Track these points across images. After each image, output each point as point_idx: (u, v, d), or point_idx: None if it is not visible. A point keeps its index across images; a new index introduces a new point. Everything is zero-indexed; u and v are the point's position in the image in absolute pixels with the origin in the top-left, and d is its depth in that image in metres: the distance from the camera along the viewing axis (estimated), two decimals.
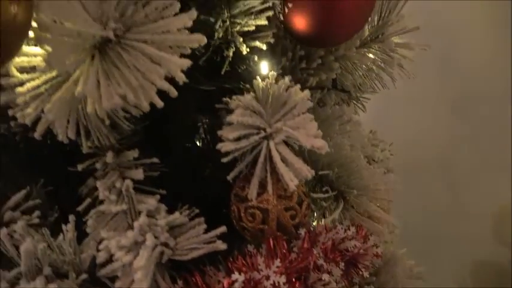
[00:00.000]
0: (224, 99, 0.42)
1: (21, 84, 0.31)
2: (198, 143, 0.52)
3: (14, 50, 0.23)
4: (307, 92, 0.37)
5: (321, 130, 0.46)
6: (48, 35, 0.25)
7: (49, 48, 0.27)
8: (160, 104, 0.30)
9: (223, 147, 0.35)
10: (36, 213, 0.35)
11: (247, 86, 0.44)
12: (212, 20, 0.39)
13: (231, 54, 0.42)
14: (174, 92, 0.31)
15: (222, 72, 0.44)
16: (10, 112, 0.34)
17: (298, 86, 0.37)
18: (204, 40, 0.33)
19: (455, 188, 1.19)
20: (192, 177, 0.49)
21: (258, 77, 0.40)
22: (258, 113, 0.37)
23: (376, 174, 0.44)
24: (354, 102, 0.63)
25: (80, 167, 0.38)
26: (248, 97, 0.36)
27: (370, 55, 0.49)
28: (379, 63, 0.49)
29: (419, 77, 0.54)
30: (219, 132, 0.36)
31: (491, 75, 1.16)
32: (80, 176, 0.40)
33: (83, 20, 0.28)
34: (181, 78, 0.30)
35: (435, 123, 1.19)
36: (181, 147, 0.50)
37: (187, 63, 0.30)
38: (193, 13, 0.33)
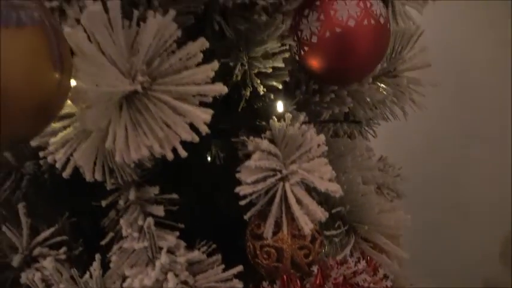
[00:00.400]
0: (242, 137, 0.44)
1: (53, 131, 0.33)
2: (212, 173, 0.53)
3: (56, 114, 0.25)
4: (322, 137, 0.38)
5: (333, 164, 0.47)
6: (83, 96, 0.27)
7: (84, 108, 0.29)
8: (184, 154, 0.32)
9: (241, 190, 0.36)
10: (63, 249, 0.37)
11: (264, 123, 0.45)
12: (231, 63, 0.41)
13: (248, 93, 0.43)
14: (196, 138, 0.33)
15: (239, 109, 0.46)
16: (41, 154, 0.36)
17: (314, 130, 0.39)
18: (225, 90, 0.34)
19: (464, 208, 1.19)
20: (207, 206, 0.50)
21: (274, 117, 0.42)
22: (274, 155, 0.38)
23: (386, 209, 0.45)
24: (365, 128, 0.65)
25: (103, 203, 0.40)
26: (265, 142, 0.38)
27: (383, 90, 0.50)
28: (391, 97, 0.51)
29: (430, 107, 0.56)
30: (238, 175, 0.37)
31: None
32: (103, 209, 0.42)
33: (113, 77, 0.30)
34: (204, 130, 0.32)
35: (444, 144, 1.20)
36: (198, 176, 0.52)
37: (209, 116, 0.32)
38: (215, 64, 0.34)
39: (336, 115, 0.54)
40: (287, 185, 0.38)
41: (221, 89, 0.34)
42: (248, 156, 0.43)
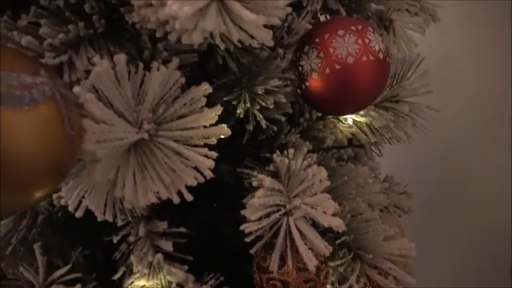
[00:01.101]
0: (246, 171, 0.45)
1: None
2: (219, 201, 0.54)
3: (68, 173, 0.27)
4: (324, 173, 0.39)
5: (337, 191, 0.48)
6: (92, 154, 0.29)
7: (92, 162, 0.30)
8: (190, 198, 0.33)
9: (247, 228, 0.37)
10: (78, 285, 0.39)
11: (268, 155, 0.47)
12: (234, 102, 0.42)
13: (251, 128, 0.44)
14: (201, 180, 0.35)
15: (244, 141, 0.47)
16: (54, 197, 0.37)
17: (316, 166, 0.40)
18: (228, 133, 0.36)
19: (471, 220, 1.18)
20: (213, 233, 0.52)
21: (277, 152, 0.43)
22: (278, 190, 0.39)
23: (391, 236, 0.46)
24: (371, 148, 0.65)
25: (115, 239, 0.42)
26: (268, 179, 0.39)
27: (385, 116, 0.51)
28: (394, 123, 0.51)
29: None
30: (243, 212, 0.38)
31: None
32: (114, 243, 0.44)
33: (122, 129, 0.31)
34: (209, 175, 0.33)
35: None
36: (204, 205, 0.53)
37: (213, 163, 0.33)
38: (218, 108, 0.35)
39: (340, 140, 0.54)
40: (291, 220, 0.39)
41: (225, 132, 0.36)
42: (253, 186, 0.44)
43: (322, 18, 0.46)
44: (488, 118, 1.17)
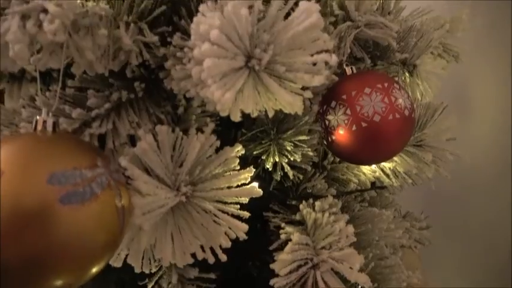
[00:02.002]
0: (272, 215, 0.47)
1: None
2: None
3: (120, 242, 0.29)
4: (351, 228, 0.41)
5: (361, 237, 0.49)
6: (140, 223, 0.31)
7: (137, 230, 0.32)
8: (224, 258, 0.35)
9: (276, 283, 0.39)
10: None
11: (294, 202, 0.48)
12: (263, 156, 0.44)
13: (278, 178, 0.46)
14: (228, 244, 0.36)
15: (270, 189, 0.49)
16: None
17: (344, 222, 0.41)
18: (260, 193, 0.37)
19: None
20: (241, 275, 0.53)
21: (304, 202, 0.44)
22: (305, 244, 0.41)
23: (414, 283, 0.47)
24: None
25: (149, 285, 0.44)
26: (297, 235, 0.40)
27: (409, 162, 0.52)
28: (417, 168, 0.52)
29: None
30: (272, 266, 0.40)
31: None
32: None
33: (163, 196, 0.33)
34: (242, 237, 0.35)
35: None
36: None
37: (246, 227, 0.35)
38: (251, 170, 0.37)
39: (363, 182, 0.56)
40: (318, 273, 0.40)
41: (257, 192, 0.37)
42: (278, 227, 0.46)
43: (348, 70, 0.47)
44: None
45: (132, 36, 0.34)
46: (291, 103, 0.31)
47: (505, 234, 1.03)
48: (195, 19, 0.30)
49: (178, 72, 0.34)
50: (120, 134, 0.36)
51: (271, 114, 0.31)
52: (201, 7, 0.30)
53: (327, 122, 0.44)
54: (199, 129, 0.36)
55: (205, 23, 0.28)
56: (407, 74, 0.56)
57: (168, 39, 0.36)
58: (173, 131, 0.35)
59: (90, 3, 0.30)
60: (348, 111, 0.42)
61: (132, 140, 0.38)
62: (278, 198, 0.49)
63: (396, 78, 0.48)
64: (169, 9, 0.38)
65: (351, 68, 0.47)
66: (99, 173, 0.25)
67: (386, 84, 0.42)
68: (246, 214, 0.36)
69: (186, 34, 0.36)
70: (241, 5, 0.28)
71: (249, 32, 0.29)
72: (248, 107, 0.30)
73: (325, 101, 0.45)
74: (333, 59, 0.30)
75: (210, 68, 0.28)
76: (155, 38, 0.35)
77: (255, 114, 0.34)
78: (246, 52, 0.29)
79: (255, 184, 0.43)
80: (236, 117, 0.31)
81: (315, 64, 0.31)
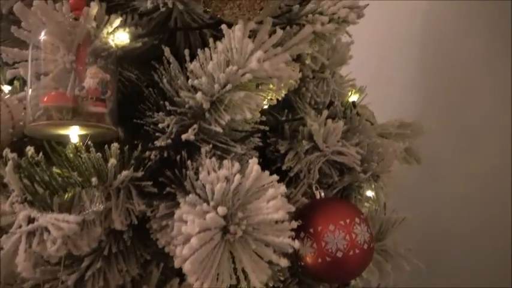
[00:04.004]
0: None
1: None
2: None
3: None
4: None
5: None
6: None
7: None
8: None
9: None
10: None
11: None
12: None
13: None
14: None
15: None
16: None
17: None
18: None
19: None
20: None
21: None
22: None
23: None
24: None
25: None
26: None
27: (371, 267, 0.58)
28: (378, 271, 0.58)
29: None
30: None
31: None
32: None
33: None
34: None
35: None
36: None
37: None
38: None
39: None
40: None
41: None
42: None
43: (317, 194, 0.52)
44: None
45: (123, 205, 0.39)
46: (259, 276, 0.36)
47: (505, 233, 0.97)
48: (176, 214, 0.35)
49: (162, 236, 0.39)
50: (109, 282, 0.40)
51: None
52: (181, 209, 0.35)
53: (296, 250, 0.50)
54: None
55: (186, 230, 0.33)
56: (372, 181, 0.61)
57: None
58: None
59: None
60: (315, 245, 0.47)
61: None
62: None
63: (359, 210, 0.53)
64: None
65: (319, 193, 0.53)
66: None
67: (348, 221, 0.48)
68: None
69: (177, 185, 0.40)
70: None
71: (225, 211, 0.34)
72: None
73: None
74: (296, 244, 0.36)
75: (192, 262, 0.33)
76: (143, 207, 0.39)
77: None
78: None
79: None
80: None
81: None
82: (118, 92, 0.45)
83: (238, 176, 0.37)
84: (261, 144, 0.51)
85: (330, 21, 0.45)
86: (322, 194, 0.53)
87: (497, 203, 0.95)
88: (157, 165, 0.43)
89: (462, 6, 1.06)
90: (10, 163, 0.30)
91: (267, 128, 0.50)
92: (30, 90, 0.42)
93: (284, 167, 0.54)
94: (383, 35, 1.19)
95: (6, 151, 0.31)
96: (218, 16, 0.40)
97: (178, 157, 0.43)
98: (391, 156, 0.57)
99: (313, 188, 0.53)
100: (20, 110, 0.44)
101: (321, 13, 0.47)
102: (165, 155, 0.43)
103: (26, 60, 0.44)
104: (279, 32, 0.42)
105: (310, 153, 0.53)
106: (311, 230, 0.48)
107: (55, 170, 0.35)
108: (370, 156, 0.56)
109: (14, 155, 0.31)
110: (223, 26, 0.41)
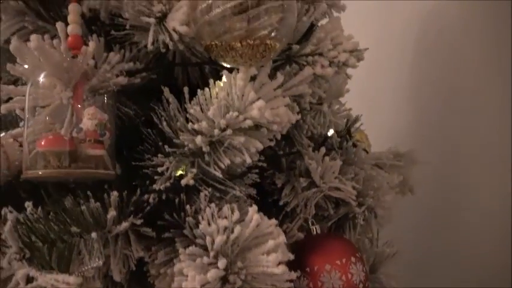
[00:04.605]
0: None
1: None
2: None
3: None
4: None
5: None
6: None
7: None
8: None
9: None
10: None
11: None
12: None
13: None
14: None
15: None
16: None
17: None
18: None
19: None
20: None
21: None
22: None
23: None
24: None
25: None
26: None
27: None
28: None
29: None
30: None
31: None
32: None
33: None
34: None
35: None
36: None
37: None
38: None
39: None
40: None
41: None
42: None
43: (313, 230, 0.53)
44: None
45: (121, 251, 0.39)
46: None
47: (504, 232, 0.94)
48: (176, 267, 0.35)
49: (160, 282, 0.39)
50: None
51: None
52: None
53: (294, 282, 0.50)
54: None
55: (187, 285, 0.33)
56: (368, 213, 0.62)
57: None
58: None
59: None
60: (311, 285, 0.48)
61: None
62: None
63: (354, 247, 0.53)
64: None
65: (315, 229, 0.53)
66: None
67: (344, 260, 0.48)
68: None
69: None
70: None
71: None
72: None
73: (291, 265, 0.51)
74: None
75: None
76: (141, 253, 0.39)
77: None
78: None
79: None
80: None
81: None
82: (116, 129, 0.45)
83: (238, 228, 0.37)
84: (258, 180, 0.51)
85: (330, 64, 0.45)
86: (318, 230, 0.53)
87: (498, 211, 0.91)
88: (155, 207, 0.43)
89: (463, 6, 1.04)
90: (9, 223, 0.30)
91: (264, 165, 0.51)
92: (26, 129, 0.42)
93: (281, 203, 0.54)
94: (377, 40, 1.16)
95: (5, 210, 0.31)
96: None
97: (177, 200, 0.43)
98: (386, 189, 0.57)
99: (310, 223, 0.54)
100: (15, 149, 0.44)
101: (320, 54, 0.47)
102: (163, 197, 0.43)
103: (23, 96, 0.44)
104: (280, 78, 0.42)
105: (307, 189, 0.53)
106: (307, 269, 0.48)
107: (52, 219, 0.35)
108: (365, 190, 0.56)
109: (14, 215, 0.30)
110: (225, 72, 0.41)
